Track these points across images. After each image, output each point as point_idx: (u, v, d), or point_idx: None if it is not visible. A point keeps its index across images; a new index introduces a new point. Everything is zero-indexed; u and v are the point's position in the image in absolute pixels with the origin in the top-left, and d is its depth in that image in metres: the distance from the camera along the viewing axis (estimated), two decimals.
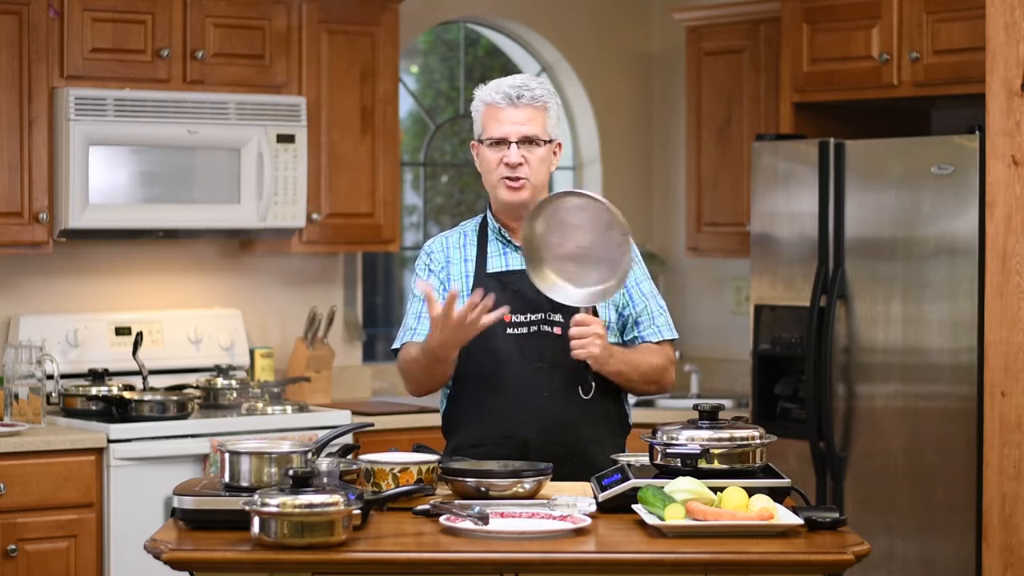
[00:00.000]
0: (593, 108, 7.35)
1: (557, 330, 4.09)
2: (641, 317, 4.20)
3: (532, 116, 4.12)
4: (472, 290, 4.08)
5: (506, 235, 4.18)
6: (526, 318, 4.11)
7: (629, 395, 4.23)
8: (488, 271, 4.16)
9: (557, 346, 4.08)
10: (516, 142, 4.10)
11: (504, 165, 4.11)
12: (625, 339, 4.22)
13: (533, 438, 4.03)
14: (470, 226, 4.27)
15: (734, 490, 3.48)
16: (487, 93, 4.17)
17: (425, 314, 4.09)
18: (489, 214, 4.22)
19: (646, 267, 4.30)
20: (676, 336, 4.25)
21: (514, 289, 4.11)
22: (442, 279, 4.18)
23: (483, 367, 4.09)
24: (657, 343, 4.20)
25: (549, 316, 4.10)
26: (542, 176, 4.15)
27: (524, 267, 4.09)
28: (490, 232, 4.21)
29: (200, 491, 3.49)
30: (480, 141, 4.17)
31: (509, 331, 4.09)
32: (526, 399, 4.06)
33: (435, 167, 7.37)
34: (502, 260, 4.18)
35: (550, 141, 4.15)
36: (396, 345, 4.23)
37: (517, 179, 4.11)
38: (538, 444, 4.02)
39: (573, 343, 4.01)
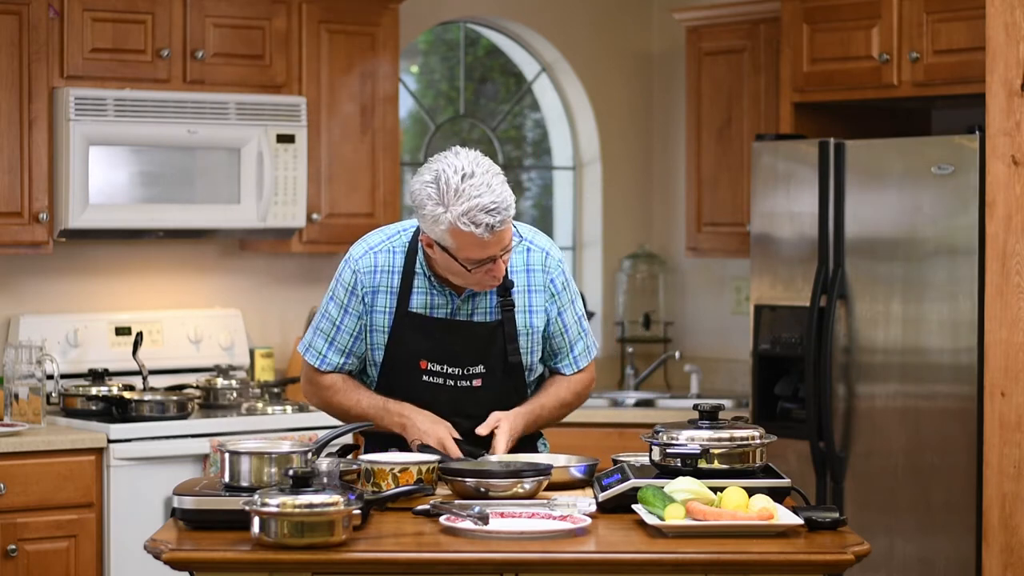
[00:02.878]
0: (593, 108, 7.35)
1: (477, 382, 4.06)
2: (560, 351, 4.17)
3: (509, 226, 3.87)
4: (392, 327, 4.01)
5: (434, 282, 4.01)
6: (442, 369, 4.04)
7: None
8: (411, 309, 4.02)
9: (477, 400, 4.06)
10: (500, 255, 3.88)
11: (489, 275, 3.90)
12: (548, 363, 4.21)
13: None
14: (399, 244, 4.05)
15: (734, 490, 3.48)
16: (460, 220, 3.78)
17: (342, 325, 4.04)
18: (421, 250, 4.01)
19: (574, 287, 4.17)
20: (594, 356, 4.23)
21: (435, 338, 4.02)
22: (367, 305, 4.04)
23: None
24: (571, 374, 4.19)
25: (469, 371, 4.04)
26: None
27: (449, 316, 4.01)
28: (418, 264, 4.02)
29: (200, 491, 3.49)
30: (446, 250, 3.86)
31: (426, 379, 4.05)
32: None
33: None
34: (427, 299, 4.03)
35: None
36: (317, 365, 4.09)
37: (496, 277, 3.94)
38: None
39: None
